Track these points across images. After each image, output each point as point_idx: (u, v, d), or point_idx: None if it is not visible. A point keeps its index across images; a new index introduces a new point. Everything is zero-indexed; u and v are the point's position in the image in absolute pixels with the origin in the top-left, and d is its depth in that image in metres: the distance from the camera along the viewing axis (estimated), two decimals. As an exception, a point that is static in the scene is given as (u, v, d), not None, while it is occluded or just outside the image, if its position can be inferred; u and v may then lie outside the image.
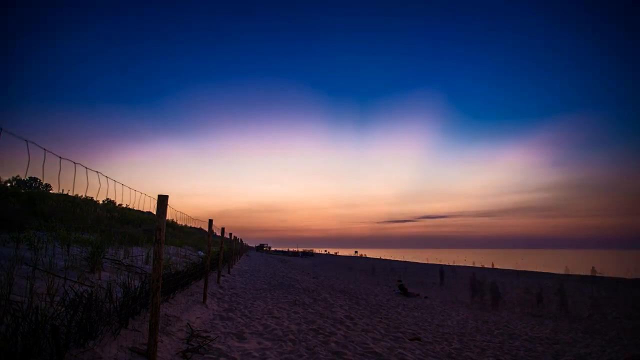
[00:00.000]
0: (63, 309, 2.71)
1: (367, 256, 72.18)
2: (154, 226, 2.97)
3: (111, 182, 3.16)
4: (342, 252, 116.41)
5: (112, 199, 18.26)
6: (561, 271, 31.35)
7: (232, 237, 16.07)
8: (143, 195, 3.82)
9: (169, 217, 3.97)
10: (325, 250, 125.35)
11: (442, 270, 21.64)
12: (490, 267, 38.84)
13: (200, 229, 27.47)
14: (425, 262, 48.85)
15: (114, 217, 12.81)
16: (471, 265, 43.20)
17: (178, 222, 19.72)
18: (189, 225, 24.48)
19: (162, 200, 3.04)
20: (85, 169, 2.75)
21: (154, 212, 3.10)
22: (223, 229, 9.63)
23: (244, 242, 35.13)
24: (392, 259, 60.58)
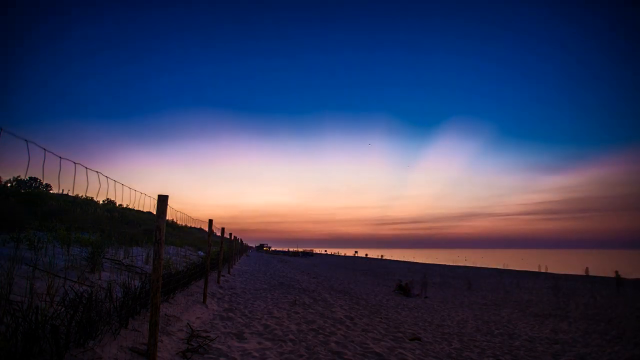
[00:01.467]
0: (63, 309, 2.71)
1: (368, 256, 72.23)
2: (154, 226, 2.97)
3: (111, 182, 3.16)
4: (342, 252, 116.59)
5: (112, 199, 18.26)
6: (559, 271, 31.37)
7: (232, 237, 16.07)
8: (143, 195, 3.82)
9: (169, 217, 3.97)
10: (325, 250, 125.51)
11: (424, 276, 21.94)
12: (491, 267, 38.85)
13: (201, 229, 27.50)
14: (425, 262, 48.85)
15: (114, 217, 12.81)
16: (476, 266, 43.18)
17: (178, 222, 19.74)
18: (189, 225, 24.52)
19: (162, 200, 3.04)
20: (85, 169, 2.75)
21: (154, 212, 3.10)
22: (223, 229, 9.63)
23: (244, 242, 35.14)
24: (392, 259, 60.59)
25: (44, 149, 2.28)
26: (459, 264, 43.98)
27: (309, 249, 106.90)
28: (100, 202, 17.84)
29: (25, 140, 2.13)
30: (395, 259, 58.07)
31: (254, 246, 74.22)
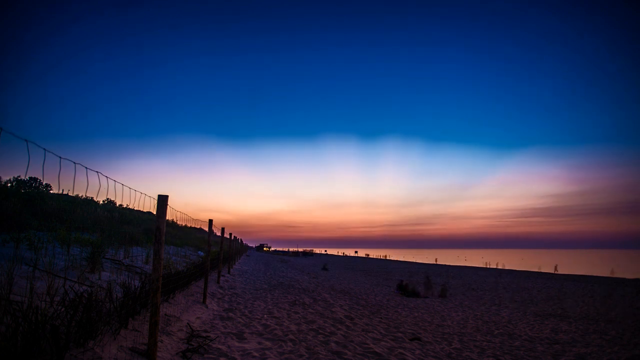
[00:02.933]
0: (63, 309, 2.71)
1: (369, 256, 72.23)
2: (154, 226, 2.97)
3: (111, 182, 3.16)
4: (341, 252, 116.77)
5: (112, 199, 18.23)
6: (557, 271, 31.38)
7: (232, 237, 16.07)
8: (143, 196, 3.81)
9: (169, 217, 3.97)
10: (325, 250, 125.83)
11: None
12: (492, 267, 38.84)
13: (200, 229, 27.50)
14: (425, 262, 48.86)
15: (114, 217, 12.81)
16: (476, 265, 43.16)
17: (178, 222, 19.73)
18: (189, 225, 24.51)
19: (162, 200, 3.04)
20: (85, 169, 2.74)
21: (154, 212, 3.10)
22: (223, 228, 9.63)
23: (244, 242, 35.14)
24: (391, 259, 60.60)
25: (44, 149, 2.28)
26: (459, 264, 43.98)
27: (308, 249, 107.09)
28: (100, 202, 17.83)
29: (25, 140, 2.13)
30: (394, 259, 58.09)
31: (254, 246, 74.23)
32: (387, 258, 63.64)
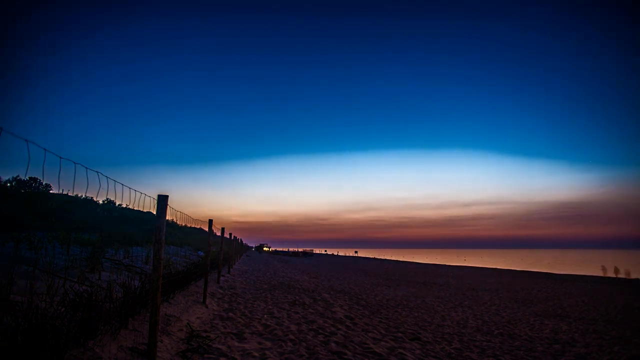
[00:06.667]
0: (63, 309, 2.71)
1: (375, 257, 72.21)
2: (153, 226, 2.97)
3: (111, 182, 3.15)
4: (342, 252, 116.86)
5: (112, 199, 18.22)
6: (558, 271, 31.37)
7: (232, 237, 16.07)
8: (143, 196, 3.81)
9: (169, 217, 3.97)
10: (325, 250, 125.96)
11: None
12: (494, 267, 38.84)
13: (200, 229, 27.49)
14: (426, 262, 48.85)
15: (114, 217, 12.81)
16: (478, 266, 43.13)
17: (178, 222, 19.72)
18: (189, 225, 24.48)
19: (162, 200, 3.04)
20: (85, 169, 2.74)
21: (154, 212, 3.10)
22: (223, 229, 9.63)
23: (244, 242, 35.14)
24: (392, 259, 60.59)
25: (44, 149, 2.28)
26: (459, 264, 43.99)
27: (308, 249, 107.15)
28: (100, 202, 17.83)
29: (26, 140, 2.13)
30: (395, 259, 58.08)
31: (253, 246, 74.20)
32: (385, 258, 63.61)
